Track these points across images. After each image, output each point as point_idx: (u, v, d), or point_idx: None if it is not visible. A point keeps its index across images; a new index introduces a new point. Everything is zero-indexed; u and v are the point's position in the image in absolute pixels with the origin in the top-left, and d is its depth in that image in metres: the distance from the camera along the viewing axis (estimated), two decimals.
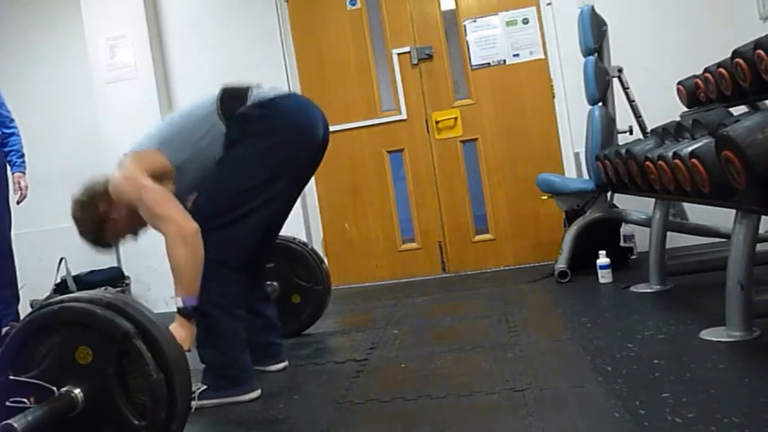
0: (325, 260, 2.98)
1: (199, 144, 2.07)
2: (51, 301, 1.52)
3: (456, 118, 4.08)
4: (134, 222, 2.12)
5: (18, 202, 3.50)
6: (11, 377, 1.47)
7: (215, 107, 2.08)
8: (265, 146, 2.07)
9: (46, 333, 1.48)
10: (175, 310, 1.96)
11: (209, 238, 2.01)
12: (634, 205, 3.41)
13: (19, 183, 3.49)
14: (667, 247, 2.79)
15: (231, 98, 2.10)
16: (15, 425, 1.35)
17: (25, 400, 1.45)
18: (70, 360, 1.45)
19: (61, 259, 4.14)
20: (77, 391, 1.44)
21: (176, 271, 1.94)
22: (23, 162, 3.55)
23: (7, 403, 1.44)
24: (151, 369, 1.42)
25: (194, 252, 1.94)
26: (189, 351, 1.95)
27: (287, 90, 2.19)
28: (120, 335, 1.42)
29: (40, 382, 1.45)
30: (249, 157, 2.06)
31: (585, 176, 3.57)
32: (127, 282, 4.26)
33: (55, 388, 1.44)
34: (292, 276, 2.81)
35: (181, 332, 1.89)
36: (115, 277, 4.23)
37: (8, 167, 3.52)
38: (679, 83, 3.09)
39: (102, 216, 2.10)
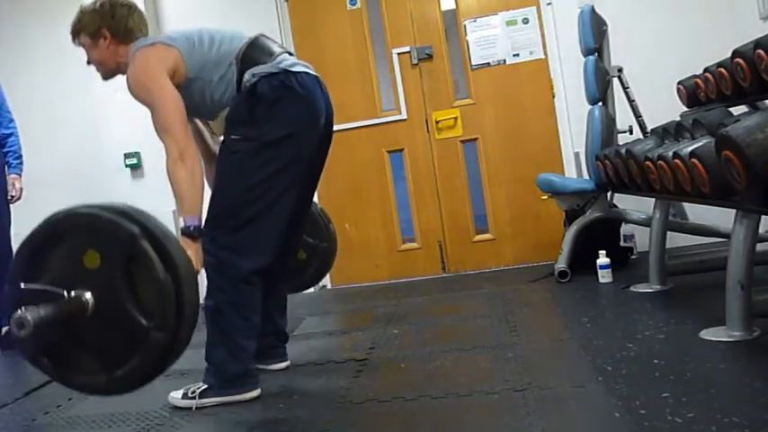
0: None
1: (209, 75, 2.04)
2: (58, 210, 1.53)
3: (456, 118, 4.08)
4: (112, 69, 2.14)
5: (11, 202, 3.49)
6: (22, 285, 1.48)
7: (239, 50, 2.05)
8: (272, 130, 2.01)
9: (54, 240, 1.49)
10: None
11: (227, 241, 2.00)
12: (634, 205, 3.41)
13: (14, 184, 3.49)
14: (667, 247, 2.79)
15: (257, 50, 2.07)
16: (28, 317, 1.36)
17: None
18: (79, 265, 1.47)
19: None
20: (88, 295, 1.46)
21: (177, 191, 1.92)
22: (20, 164, 3.54)
23: None
24: (158, 269, 1.42)
25: (193, 174, 1.92)
26: (197, 272, 1.94)
27: (304, 68, 2.11)
28: (126, 237, 1.43)
29: (51, 288, 1.46)
30: (259, 147, 2.01)
31: (585, 176, 3.57)
32: None
33: (65, 292, 1.45)
34: None
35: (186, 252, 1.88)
36: None
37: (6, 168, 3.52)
38: (679, 83, 3.09)
39: (97, 34, 2.10)
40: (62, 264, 1.48)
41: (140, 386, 1.56)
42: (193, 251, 1.88)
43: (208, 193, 2.07)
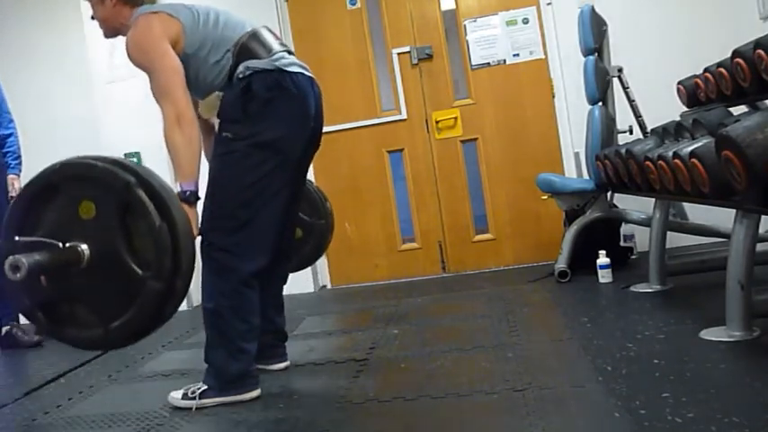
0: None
1: (205, 56, 2.04)
2: (53, 163, 1.52)
3: (456, 118, 4.08)
4: (114, 28, 2.13)
5: (8, 203, 3.49)
6: (17, 238, 1.47)
7: (239, 39, 2.05)
8: (265, 130, 2.01)
9: (49, 192, 1.49)
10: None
11: (225, 242, 1.99)
12: (634, 205, 3.41)
13: (13, 184, 3.48)
14: (667, 247, 2.79)
15: (257, 43, 2.07)
16: (23, 260, 1.35)
17: None
18: (74, 216, 1.46)
19: None
20: (83, 246, 1.45)
21: (173, 156, 1.91)
22: (19, 164, 3.54)
23: None
24: (154, 217, 1.42)
25: (190, 138, 1.91)
26: (194, 238, 1.93)
27: (300, 68, 2.11)
28: (121, 185, 1.42)
29: (46, 240, 1.45)
30: (252, 147, 2.00)
31: (585, 176, 3.57)
32: None
33: (60, 243, 1.44)
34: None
35: None
36: None
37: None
38: (679, 83, 3.09)
39: None
40: (57, 216, 1.47)
41: (136, 340, 1.55)
42: (191, 216, 1.86)
43: (204, 165, 2.06)
